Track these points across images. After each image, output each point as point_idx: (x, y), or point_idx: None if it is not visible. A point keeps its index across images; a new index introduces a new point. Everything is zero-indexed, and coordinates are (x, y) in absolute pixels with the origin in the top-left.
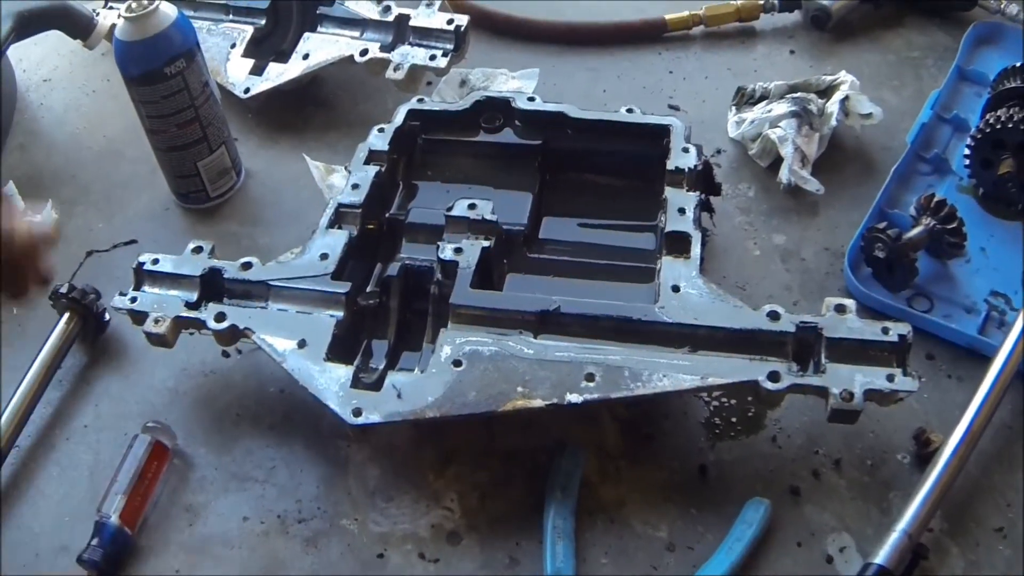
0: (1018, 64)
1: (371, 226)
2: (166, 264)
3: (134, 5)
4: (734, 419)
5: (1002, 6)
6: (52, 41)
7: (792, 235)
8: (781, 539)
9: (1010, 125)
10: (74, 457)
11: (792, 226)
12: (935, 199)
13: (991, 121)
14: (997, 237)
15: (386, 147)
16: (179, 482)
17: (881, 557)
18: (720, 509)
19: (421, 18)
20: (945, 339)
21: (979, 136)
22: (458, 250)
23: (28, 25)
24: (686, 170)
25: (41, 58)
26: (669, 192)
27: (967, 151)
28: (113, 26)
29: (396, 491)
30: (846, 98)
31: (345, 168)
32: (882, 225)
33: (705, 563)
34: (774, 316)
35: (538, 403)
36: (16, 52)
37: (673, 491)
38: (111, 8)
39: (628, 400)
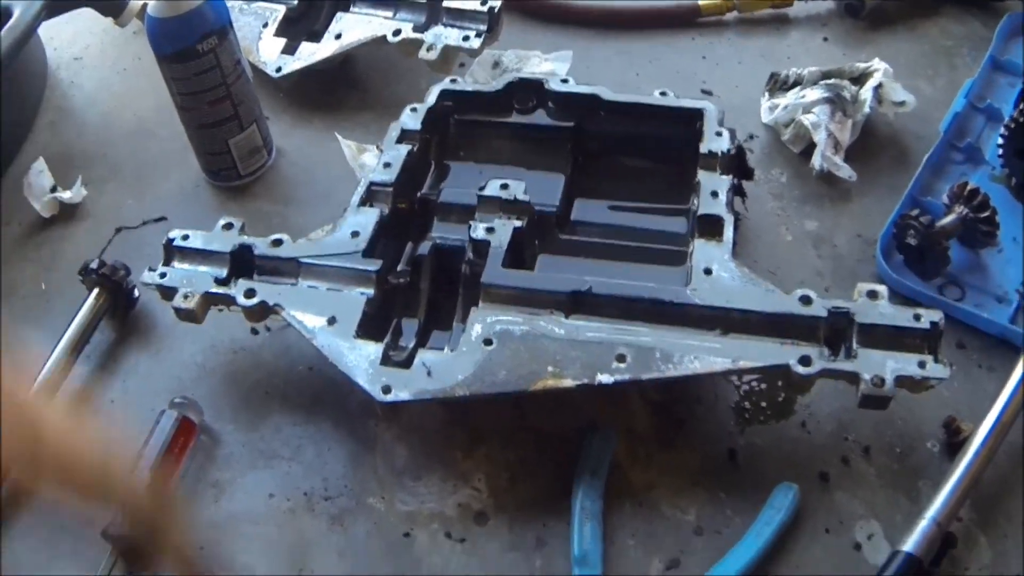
0: None
1: (402, 205)
2: (196, 240)
3: None
4: (764, 404)
5: None
6: (84, 20)
7: (824, 221)
8: (809, 525)
9: None
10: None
11: (824, 212)
12: (968, 187)
13: None
14: None
15: (418, 127)
16: (206, 458)
17: (910, 545)
18: (749, 494)
19: None
20: (976, 328)
21: (1012, 126)
22: (490, 229)
23: (59, 2)
24: (719, 154)
25: (73, 36)
26: (702, 175)
27: (1000, 140)
28: (145, 5)
29: (424, 470)
30: (879, 85)
31: (377, 147)
32: (915, 212)
33: (733, 548)
34: (806, 300)
35: (568, 383)
36: (48, 30)
37: (702, 475)
38: None
39: (659, 381)
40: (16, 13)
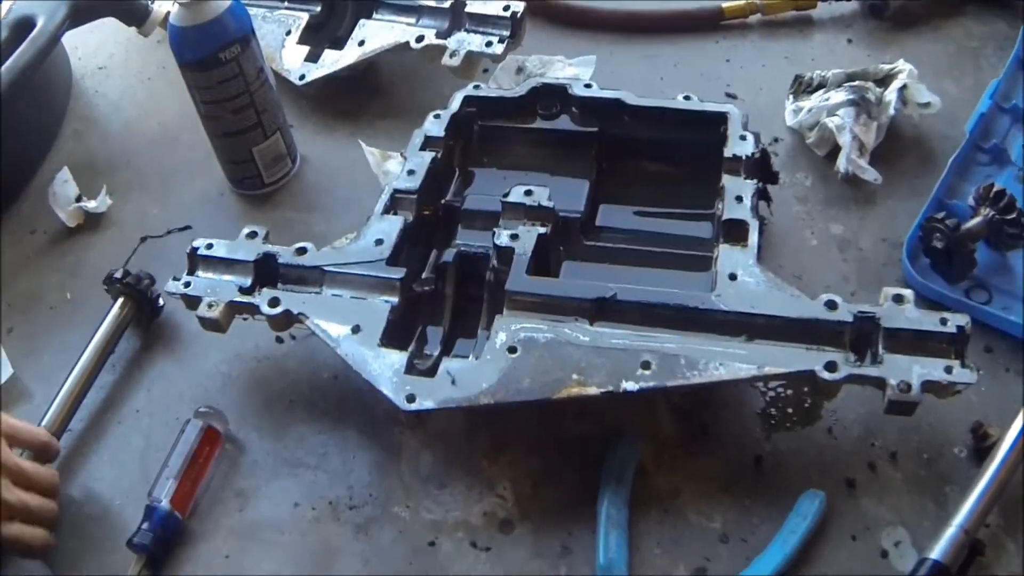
0: None
1: (427, 212)
2: (220, 249)
3: None
4: (790, 410)
5: None
6: (108, 29)
7: (850, 225)
8: (836, 532)
9: None
10: (125, 441)
11: (850, 216)
12: (994, 189)
13: None
14: None
15: (442, 133)
16: (230, 467)
17: (937, 552)
18: (775, 500)
19: (477, 4)
20: (1004, 331)
21: None
22: (514, 236)
23: (83, 12)
24: (743, 158)
25: (97, 46)
26: (726, 180)
27: None
28: (168, 13)
29: (449, 478)
30: (904, 87)
31: (401, 154)
32: (940, 215)
33: (759, 555)
34: (832, 305)
35: (593, 390)
36: (72, 40)
37: (728, 481)
38: None
39: (684, 388)
40: (40, 23)
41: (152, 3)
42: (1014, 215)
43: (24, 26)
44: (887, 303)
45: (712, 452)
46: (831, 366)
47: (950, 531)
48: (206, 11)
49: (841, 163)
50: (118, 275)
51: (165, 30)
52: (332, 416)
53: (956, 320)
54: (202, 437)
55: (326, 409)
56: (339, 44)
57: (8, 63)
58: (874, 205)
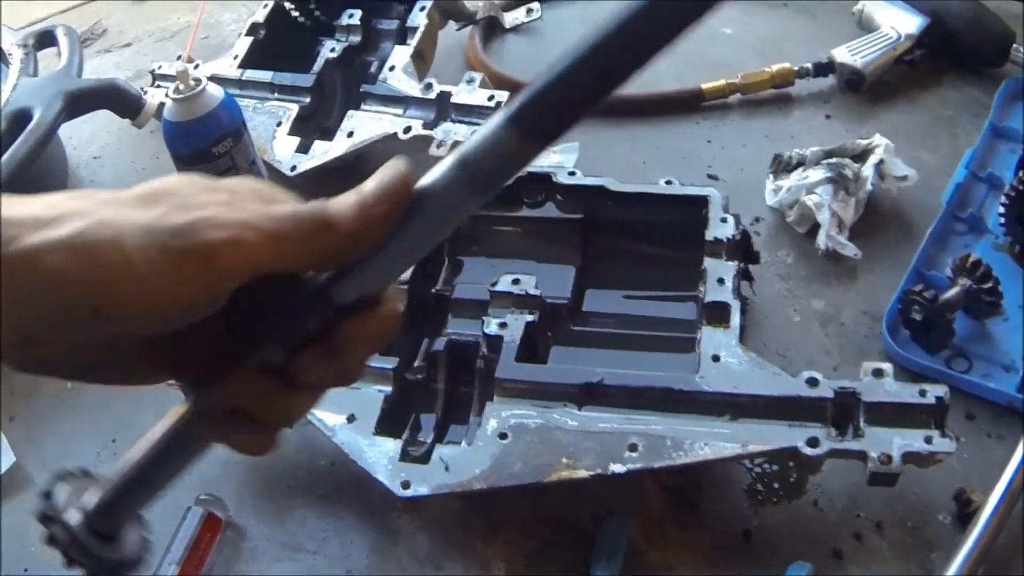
0: None
1: (418, 304)
2: None
3: (182, 86)
4: (776, 484)
5: None
6: (101, 119)
7: (831, 300)
8: None
9: None
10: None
11: (831, 291)
12: (970, 259)
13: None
14: None
15: None
16: (232, 552)
17: None
18: (765, 572)
19: (462, 95)
20: (984, 398)
21: (1012, 194)
22: (503, 324)
23: (78, 105)
24: (724, 240)
25: (90, 135)
26: (708, 262)
27: (1002, 209)
28: (161, 104)
29: (446, 560)
30: (881, 161)
31: None
32: (919, 288)
33: None
34: (813, 382)
35: (583, 473)
36: (65, 129)
37: (718, 555)
38: (158, 87)
39: (671, 469)
40: (36, 115)
41: (145, 95)
42: (990, 284)
43: (21, 118)
44: (867, 377)
45: (702, 528)
46: (813, 442)
47: None
48: (199, 106)
49: (821, 240)
50: None
51: (159, 120)
52: (330, 501)
53: (935, 391)
54: (203, 524)
55: (324, 494)
56: (329, 134)
57: (7, 155)
58: (854, 280)
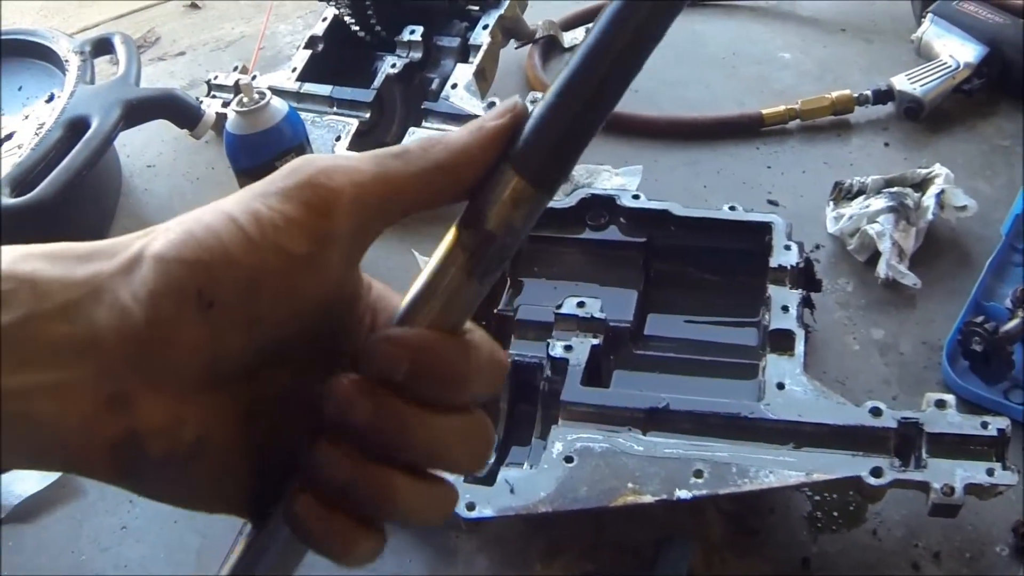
0: None
1: (481, 323)
2: None
3: (246, 99)
4: (836, 512)
5: None
6: (155, 128)
7: (890, 329)
8: None
9: None
10: (183, 540)
11: (890, 320)
12: None
13: None
14: None
15: None
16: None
17: None
18: None
19: None
20: None
21: None
22: (568, 347)
23: (136, 113)
24: (788, 268)
25: (144, 144)
26: (772, 290)
27: None
28: (218, 115)
29: None
30: (941, 191)
31: None
32: (979, 319)
33: None
34: (876, 412)
35: (648, 499)
36: (119, 138)
37: None
38: (215, 97)
39: (735, 496)
40: (94, 124)
41: (203, 106)
42: None
43: (78, 126)
44: (929, 408)
45: (761, 555)
46: (877, 472)
47: None
48: (264, 120)
49: (881, 269)
50: None
51: (216, 132)
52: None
53: (997, 423)
54: None
55: None
56: None
57: (64, 162)
58: (913, 309)
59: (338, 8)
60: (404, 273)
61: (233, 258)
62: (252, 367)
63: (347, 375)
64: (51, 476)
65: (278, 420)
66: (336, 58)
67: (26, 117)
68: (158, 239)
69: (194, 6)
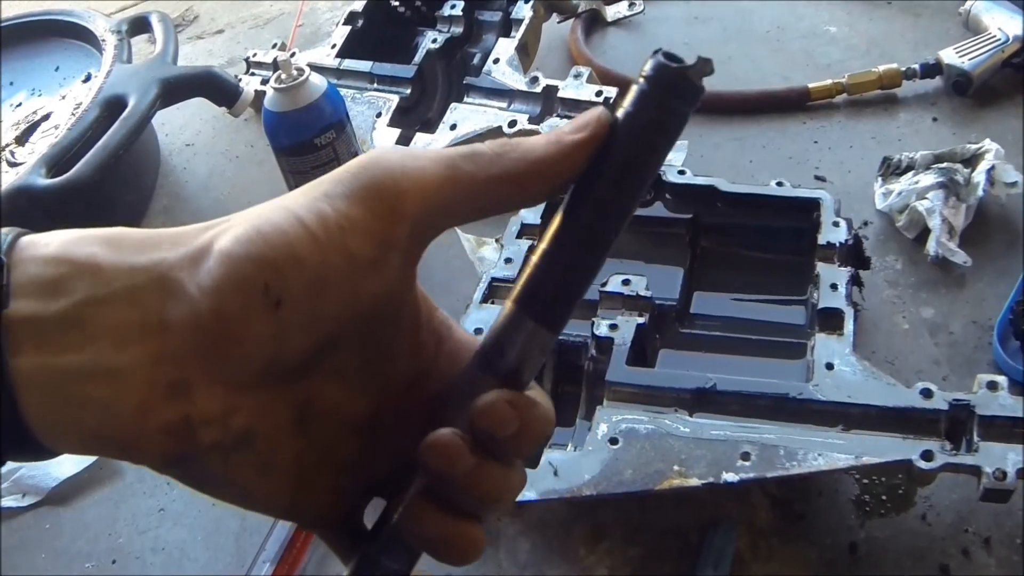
0: None
1: None
2: None
3: (284, 76)
4: (884, 497)
5: None
6: (193, 106)
7: (940, 308)
8: None
9: None
10: (221, 523)
11: (940, 299)
12: None
13: None
14: None
15: (538, 220)
16: (327, 552)
17: None
18: None
19: (569, 90)
20: None
21: None
22: (613, 326)
23: (174, 92)
24: (837, 245)
25: (183, 123)
26: (821, 267)
27: None
28: (257, 92)
29: (547, 566)
30: (992, 168)
31: (496, 240)
32: None
33: None
34: (927, 394)
35: (695, 482)
36: (158, 117)
37: (824, 568)
38: (253, 75)
39: (783, 479)
40: (131, 102)
41: (242, 84)
42: None
43: (115, 105)
44: (981, 390)
45: (808, 540)
46: (928, 455)
47: None
48: (303, 97)
49: (931, 246)
50: None
51: (255, 110)
52: None
53: None
54: None
55: None
56: (430, 127)
57: (101, 141)
58: (963, 288)
59: None
60: (447, 250)
61: (300, 257)
62: (307, 368)
63: (453, 430)
64: (89, 458)
65: (325, 428)
66: (376, 34)
67: (63, 97)
68: (226, 234)
69: None
